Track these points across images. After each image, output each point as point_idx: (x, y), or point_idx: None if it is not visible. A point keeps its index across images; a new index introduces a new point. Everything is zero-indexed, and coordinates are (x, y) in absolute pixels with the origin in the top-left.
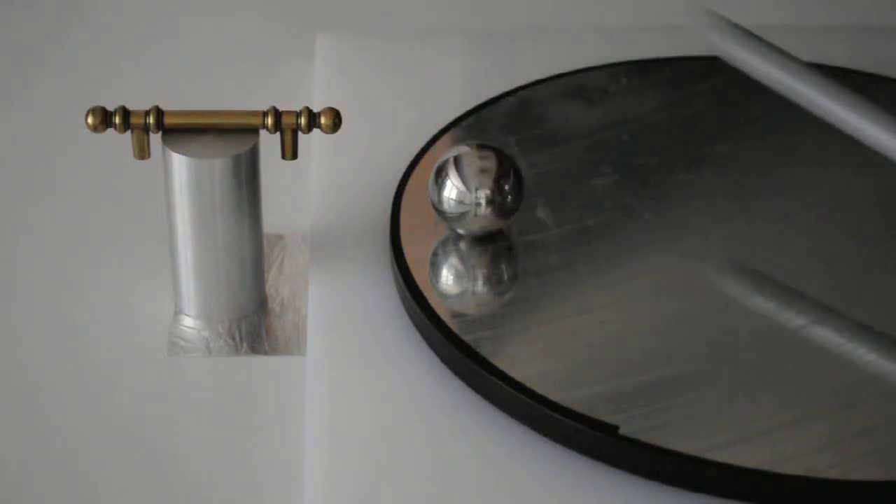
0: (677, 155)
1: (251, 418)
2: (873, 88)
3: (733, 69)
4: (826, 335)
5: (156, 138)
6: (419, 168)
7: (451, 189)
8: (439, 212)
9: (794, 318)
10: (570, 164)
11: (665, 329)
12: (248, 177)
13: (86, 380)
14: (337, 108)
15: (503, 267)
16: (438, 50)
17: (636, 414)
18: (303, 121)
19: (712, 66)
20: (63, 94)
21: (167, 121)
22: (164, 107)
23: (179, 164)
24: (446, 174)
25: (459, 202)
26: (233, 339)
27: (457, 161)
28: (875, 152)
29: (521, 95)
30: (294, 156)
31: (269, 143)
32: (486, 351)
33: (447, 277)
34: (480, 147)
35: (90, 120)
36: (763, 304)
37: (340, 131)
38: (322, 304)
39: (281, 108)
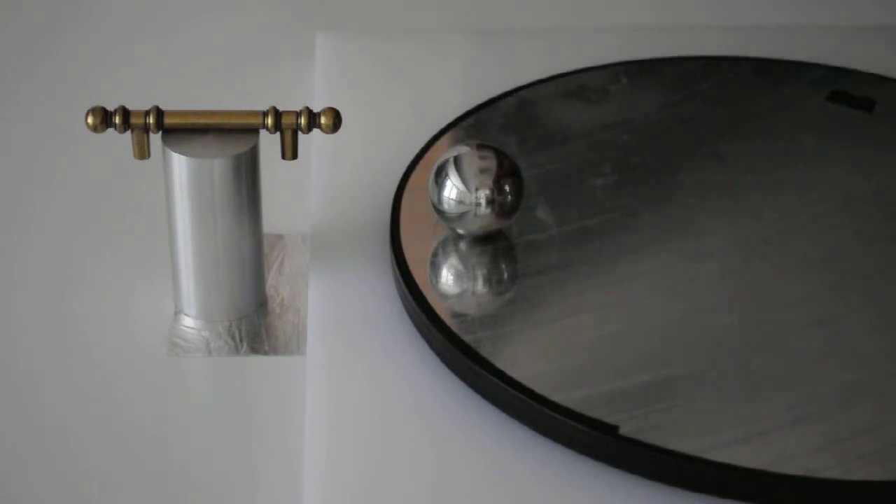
0: (677, 155)
1: (251, 418)
2: (873, 88)
3: (732, 69)
4: (826, 335)
5: (156, 138)
6: (419, 168)
7: (451, 189)
8: (439, 212)
9: (794, 318)
10: (570, 164)
11: (665, 329)
12: (248, 177)
13: (86, 380)
14: (337, 108)
15: (503, 267)
16: (438, 50)
17: (636, 414)
18: (303, 121)
19: (712, 66)
20: (63, 94)
21: (167, 121)
22: (164, 107)
23: (179, 164)
24: (446, 174)
25: (459, 202)
26: (233, 339)
27: (457, 161)
28: (875, 152)
29: (521, 95)
30: (294, 156)
31: (269, 143)
32: (486, 351)
33: (447, 277)
34: (480, 147)
35: (90, 120)
36: (763, 304)
37: (340, 131)
38: (322, 304)
39: (281, 108)
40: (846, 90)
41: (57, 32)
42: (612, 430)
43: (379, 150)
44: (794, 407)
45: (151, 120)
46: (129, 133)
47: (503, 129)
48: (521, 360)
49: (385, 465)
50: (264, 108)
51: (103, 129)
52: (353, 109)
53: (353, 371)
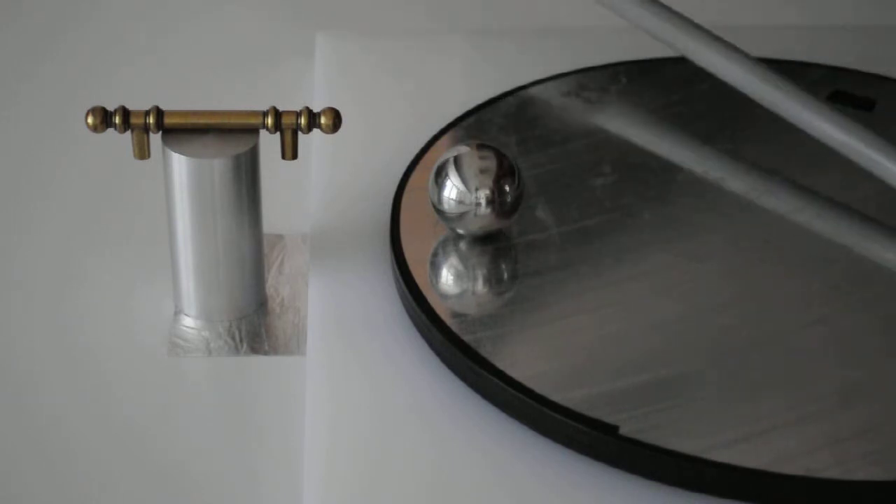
0: (677, 155)
1: (251, 418)
2: (873, 88)
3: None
4: (826, 335)
5: (156, 138)
6: (419, 168)
7: (451, 189)
8: (439, 212)
9: (794, 318)
10: (570, 164)
11: (665, 329)
12: (248, 177)
13: (86, 380)
14: (337, 108)
15: (503, 267)
16: (438, 50)
17: (636, 414)
18: (303, 121)
19: None
20: (63, 94)
21: (167, 121)
22: (164, 107)
23: (179, 164)
24: (446, 174)
25: (459, 202)
26: (233, 339)
27: (457, 161)
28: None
29: (521, 95)
30: (294, 156)
31: (269, 143)
32: (486, 351)
33: (447, 277)
34: (480, 147)
35: (90, 120)
36: (763, 304)
37: (340, 131)
38: (322, 304)
39: (281, 108)
40: (846, 90)
41: (57, 32)
42: (612, 430)
43: (379, 150)
44: (794, 407)
45: (151, 120)
46: (129, 133)
47: (503, 129)
48: (521, 360)
49: (385, 465)
50: (264, 108)
51: (103, 129)
52: (353, 109)
53: (353, 371)
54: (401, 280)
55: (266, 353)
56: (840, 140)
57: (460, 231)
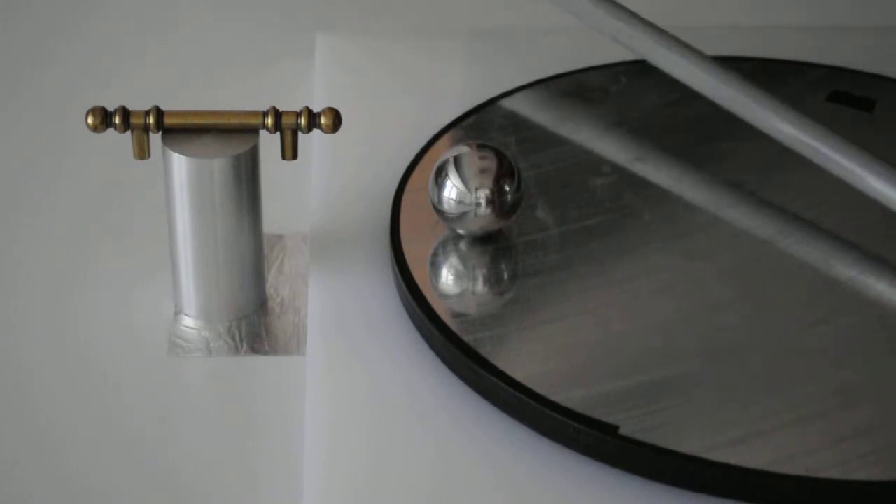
0: (677, 155)
1: (251, 418)
2: (873, 88)
3: (733, 69)
4: (826, 335)
5: (156, 138)
6: (419, 168)
7: (451, 189)
8: (439, 212)
9: (794, 318)
10: (570, 164)
11: (665, 329)
12: (248, 177)
13: (86, 380)
14: (337, 108)
15: (503, 267)
16: (438, 50)
17: (636, 414)
18: (303, 121)
19: None
20: (63, 94)
21: (167, 121)
22: (164, 107)
23: (179, 164)
24: (446, 174)
25: (459, 202)
26: (233, 339)
27: (457, 161)
28: (875, 152)
29: (520, 95)
30: (294, 156)
31: (269, 143)
32: (486, 351)
33: (447, 277)
34: (480, 147)
35: (90, 120)
36: (763, 304)
37: (340, 131)
38: (322, 304)
39: (281, 108)
40: (846, 90)
41: (57, 32)
42: (612, 430)
43: (379, 150)
44: (794, 407)
45: (151, 120)
46: (129, 133)
47: (503, 129)
48: (521, 360)
49: (385, 465)
50: (264, 108)
51: (103, 129)
52: (353, 109)
53: (353, 371)
54: (401, 280)
55: (266, 353)
56: (798, 140)
57: (460, 231)
